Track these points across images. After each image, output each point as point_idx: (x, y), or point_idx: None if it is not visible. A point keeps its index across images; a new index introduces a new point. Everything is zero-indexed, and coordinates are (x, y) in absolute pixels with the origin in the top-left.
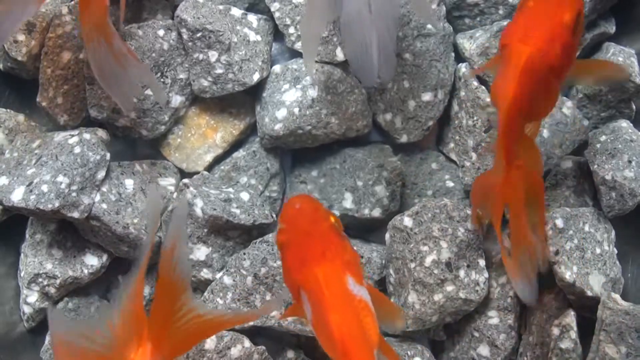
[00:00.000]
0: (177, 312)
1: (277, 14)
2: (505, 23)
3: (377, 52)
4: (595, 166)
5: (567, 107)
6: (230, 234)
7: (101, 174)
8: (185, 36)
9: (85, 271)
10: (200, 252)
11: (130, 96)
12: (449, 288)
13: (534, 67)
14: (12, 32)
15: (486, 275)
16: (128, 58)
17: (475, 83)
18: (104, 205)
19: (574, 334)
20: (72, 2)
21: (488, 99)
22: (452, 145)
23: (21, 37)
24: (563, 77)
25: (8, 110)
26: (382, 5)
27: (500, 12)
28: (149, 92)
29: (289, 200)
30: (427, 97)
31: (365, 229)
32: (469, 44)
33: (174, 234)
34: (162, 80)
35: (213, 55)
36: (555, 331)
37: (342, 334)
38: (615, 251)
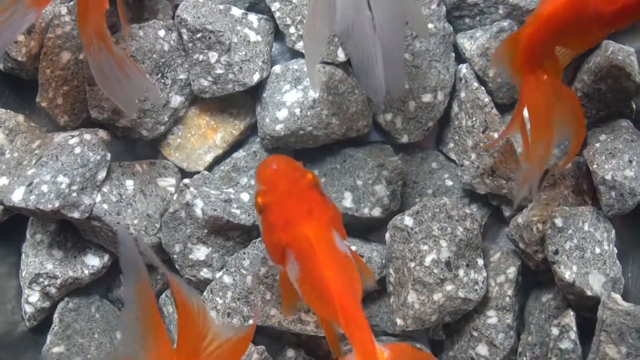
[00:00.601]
0: (204, 340)
1: (277, 14)
2: (505, 23)
3: (384, 68)
4: (595, 166)
5: None
6: (231, 234)
7: (102, 175)
8: (185, 37)
9: (86, 271)
10: (200, 252)
11: (132, 100)
12: (449, 287)
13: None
14: (12, 40)
15: (485, 274)
16: (127, 62)
17: (476, 84)
18: (105, 206)
19: (573, 334)
20: (71, 3)
21: (487, 99)
22: (451, 145)
23: (20, 38)
24: (607, 29)
25: (8, 110)
26: (386, 19)
27: (500, 11)
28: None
29: (264, 162)
30: (427, 98)
31: (365, 229)
32: (469, 44)
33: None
34: (162, 81)
35: (213, 56)
36: (555, 331)
37: (338, 290)
38: (615, 251)
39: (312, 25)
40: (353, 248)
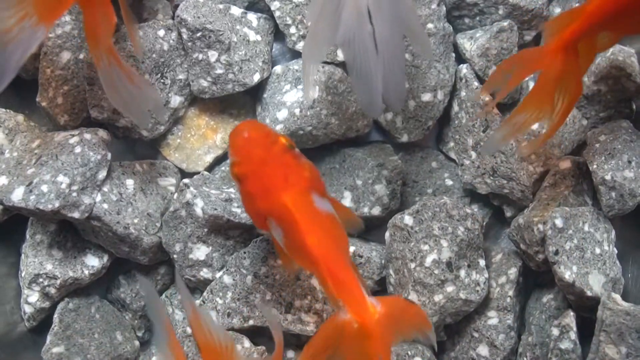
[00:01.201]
0: None
1: (277, 13)
2: (505, 23)
3: (384, 84)
4: (595, 166)
5: None
6: (231, 233)
7: (102, 174)
8: (185, 36)
9: (86, 272)
10: (200, 252)
11: (145, 112)
12: (450, 289)
13: None
14: (22, 61)
15: (486, 275)
16: (136, 74)
17: (476, 84)
18: (105, 206)
19: (573, 335)
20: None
21: (487, 99)
22: (451, 144)
23: None
24: None
25: (8, 110)
26: (387, 35)
27: (500, 12)
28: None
29: (235, 130)
30: (426, 97)
31: (365, 229)
32: (469, 44)
33: (187, 305)
34: (161, 81)
35: (213, 55)
36: (555, 331)
37: (322, 255)
38: (615, 251)
39: (314, 35)
40: (352, 248)
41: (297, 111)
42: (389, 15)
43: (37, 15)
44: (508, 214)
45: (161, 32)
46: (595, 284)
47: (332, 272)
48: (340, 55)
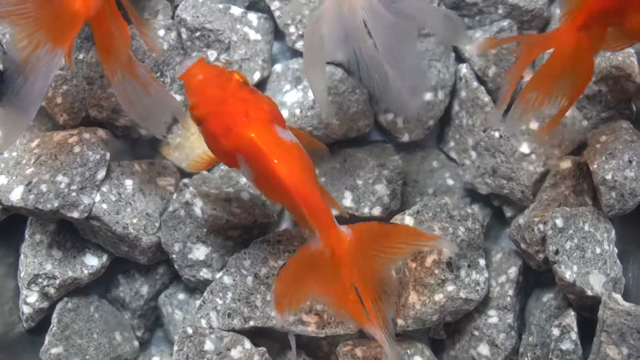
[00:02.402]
0: None
1: (277, 13)
2: (505, 23)
3: (394, 90)
4: (595, 166)
5: None
6: (231, 233)
7: (101, 174)
8: (184, 35)
9: (85, 271)
10: (200, 252)
11: (160, 120)
12: (450, 288)
13: None
14: (46, 88)
15: (486, 274)
16: (155, 85)
17: (476, 83)
18: (104, 205)
19: (574, 335)
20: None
21: (487, 99)
22: (452, 144)
23: None
24: None
25: None
26: (388, 41)
27: (500, 11)
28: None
29: (187, 73)
30: (428, 97)
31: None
32: (469, 44)
33: None
34: (161, 79)
35: (212, 54)
36: (556, 332)
37: (294, 184)
38: (616, 251)
39: (311, 54)
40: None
41: (297, 111)
42: (388, 26)
43: (51, 40)
44: (508, 214)
45: (161, 32)
46: (595, 283)
47: (305, 201)
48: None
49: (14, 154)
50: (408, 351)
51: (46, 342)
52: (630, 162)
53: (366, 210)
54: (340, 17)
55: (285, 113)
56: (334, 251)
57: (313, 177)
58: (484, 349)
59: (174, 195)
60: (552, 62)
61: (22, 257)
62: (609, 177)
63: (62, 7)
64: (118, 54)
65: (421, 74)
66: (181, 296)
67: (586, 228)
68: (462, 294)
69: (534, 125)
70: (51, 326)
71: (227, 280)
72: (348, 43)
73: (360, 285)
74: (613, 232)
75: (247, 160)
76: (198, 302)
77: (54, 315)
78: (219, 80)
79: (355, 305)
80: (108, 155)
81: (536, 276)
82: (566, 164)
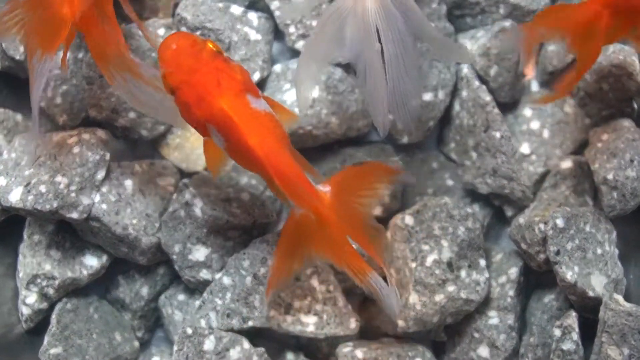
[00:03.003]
0: None
1: (277, 13)
2: (506, 23)
3: (391, 104)
4: (596, 165)
5: (569, 105)
6: (230, 234)
7: (101, 174)
8: None
9: (85, 272)
10: (200, 253)
11: (174, 111)
12: (450, 288)
13: None
14: (40, 94)
15: (487, 275)
16: (154, 75)
17: (477, 83)
18: (104, 206)
19: (575, 336)
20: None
21: (488, 98)
22: (452, 145)
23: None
24: None
25: (6, 110)
26: (395, 54)
27: (501, 11)
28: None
29: (163, 43)
30: (427, 97)
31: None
32: (470, 44)
33: None
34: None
35: None
36: (557, 332)
37: (264, 154)
38: (617, 252)
39: (314, 48)
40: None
41: (296, 110)
42: (399, 34)
43: (40, 47)
44: (509, 214)
45: (161, 31)
46: (597, 284)
47: (277, 170)
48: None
49: (13, 154)
50: (409, 353)
51: (45, 342)
52: (632, 161)
53: None
54: (354, 17)
55: None
56: (318, 212)
57: (286, 146)
58: (483, 351)
59: (174, 196)
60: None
61: (20, 257)
62: (610, 176)
63: (49, 13)
64: (112, 57)
65: (417, 91)
66: (181, 297)
67: (587, 229)
68: (463, 295)
69: (535, 125)
70: (50, 326)
71: (226, 280)
72: (354, 44)
73: (352, 235)
74: (614, 232)
75: (218, 130)
76: (197, 303)
77: (53, 316)
78: (192, 49)
79: (354, 256)
80: (108, 156)
81: (537, 277)
82: (567, 164)
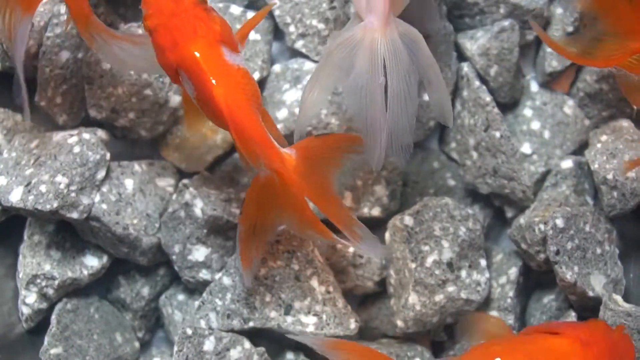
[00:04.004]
0: None
1: (277, 12)
2: (506, 23)
3: (389, 139)
4: (596, 165)
5: (568, 106)
6: (231, 234)
7: (101, 174)
8: None
9: (85, 272)
10: (199, 253)
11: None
12: (450, 289)
13: None
14: (21, 60)
15: (487, 275)
16: (135, 35)
17: (477, 82)
18: (104, 206)
19: None
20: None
21: (489, 98)
22: (453, 144)
23: None
24: None
25: (6, 109)
26: (400, 90)
27: (502, 11)
28: (148, 92)
29: None
30: (427, 97)
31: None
32: (470, 44)
33: None
34: (160, 79)
35: None
36: None
37: (228, 106)
38: (617, 251)
39: (321, 75)
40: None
41: (297, 110)
42: (405, 70)
43: (22, 8)
44: (509, 214)
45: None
46: (596, 284)
47: (238, 125)
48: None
49: (13, 154)
50: (408, 353)
51: (45, 342)
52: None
53: (366, 210)
54: (362, 48)
55: (285, 112)
56: (280, 173)
57: (254, 104)
58: None
59: (174, 196)
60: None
61: (20, 257)
62: (610, 176)
63: None
64: (90, 20)
65: (411, 128)
66: (181, 297)
67: (587, 229)
68: (463, 295)
69: (535, 126)
70: (51, 327)
71: (226, 281)
72: (358, 75)
73: (315, 201)
74: (614, 232)
75: (188, 77)
76: (197, 303)
77: (53, 316)
78: None
79: (314, 220)
80: (108, 156)
81: (537, 277)
82: (567, 164)
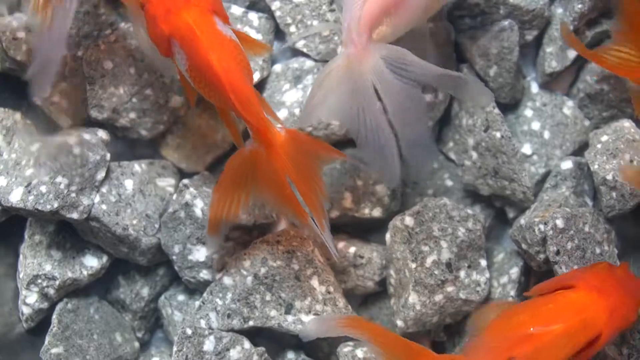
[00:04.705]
0: None
1: (277, 13)
2: (506, 23)
3: (405, 152)
4: (596, 166)
5: (567, 107)
6: (231, 234)
7: (101, 175)
8: None
9: (85, 272)
10: (200, 253)
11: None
12: (449, 289)
13: None
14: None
15: (487, 275)
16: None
17: None
18: (104, 206)
19: None
20: None
21: None
22: (451, 144)
23: (21, 34)
24: None
25: (6, 109)
26: (400, 102)
27: (501, 11)
28: (149, 91)
29: None
30: (427, 97)
31: (365, 229)
32: (469, 44)
33: None
34: (161, 79)
35: None
36: None
37: (223, 69)
38: (616, 251)
39: (310, 111)
40: (352, 249)
41: (297, 111)
42: (398, 86)
43: None
44: (510, 215)
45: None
46: None
47: (234, 91)
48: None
49: (13, 155)
50: None
51: (46, 342)
52: (631, 161)
53: (366, 211)
54: (349, 77)
55: (284, 112)
56: (267, 145)
57: (247, 75)
58: None
59: (174, 196)
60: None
61: (21, 257)
62: (609, 177)
63: None
64: None
65: (430, 144)
66: (181, 297)
67: (586, 229)
68: (462, 295)
69: (535, 126)
70: (51, 327)
71: (226, 280)
72: (352, 104)
73: (295, 179)
74: (613, 233)
75: (181, 45)
76: (197, 303)
77: (54, 316)
78: None
79: (292, 199)
80: (108, 156)
81: (537, 277)
82: (567, 165)
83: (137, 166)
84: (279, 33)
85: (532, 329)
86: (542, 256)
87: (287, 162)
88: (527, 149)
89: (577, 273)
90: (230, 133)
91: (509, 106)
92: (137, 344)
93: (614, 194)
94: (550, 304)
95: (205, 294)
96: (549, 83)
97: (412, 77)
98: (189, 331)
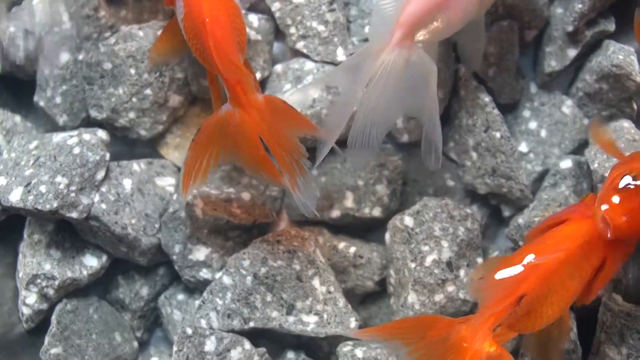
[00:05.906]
0: None
1: (277, 14)
2: (505, 23)
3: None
4: (596, 165)
5: (566, 106)
6: (230, 234)
7: (100, 174)
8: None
9: (85, 272)
10: (200, 253)
11: None
12: (450, 288)
13: None
14: None
15: None
16: None
17: (475, 82)
18: (103, 206)
19: (573, 335)
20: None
21: (487, 99)
22: (452, 144)
23: (20, 38)
24: None
25: (5, 110)
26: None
27: (500, 12)
28: (148, 91)
29: None
30: None
31: (365, 229)
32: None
33: None
34: (160, 79)
35: None
36: (556, 332)
37: (211, 18)
38: None
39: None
40: (352, 249)
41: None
42: (384, 93)
43: None
44: (506, 213)
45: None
46: None
47: (217, 44)
48: (340, 56)
49: (13, 155)
50: None
51: (46, 342)
52: None
53: (367, 210)
54: (366, 63)
55: None
56: (242, 105)
57: (238, 39)
58: None
59: (174, 196)
60: None
61: (20, 256)
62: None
63: None
64: None
65: (437, 136)
66: (180, 296)
67: None
68: (462, 294)
69: (532, 125)
70: (51, 327)
71: (226, 280)
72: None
73: (267, 139)
74: None
75: (185, 5)
76: (197, 303)
77: (53, 317)
78: None
79: (265, 160)
80: (107, 156)
81: None
82: (566, 164)
83: (136, 165)
84: (279, 34)
85: (533, 259)
86: None
87: (260, 122)
88: (523, 147)
89: (568, 208)
90: (212, 97)
91: (508, 106)
92: (136, 344)
93: None
94: (547, 240)
95: (205, 294)
96: (548, 83)
97: (418, 97)
98: (189, 331)
